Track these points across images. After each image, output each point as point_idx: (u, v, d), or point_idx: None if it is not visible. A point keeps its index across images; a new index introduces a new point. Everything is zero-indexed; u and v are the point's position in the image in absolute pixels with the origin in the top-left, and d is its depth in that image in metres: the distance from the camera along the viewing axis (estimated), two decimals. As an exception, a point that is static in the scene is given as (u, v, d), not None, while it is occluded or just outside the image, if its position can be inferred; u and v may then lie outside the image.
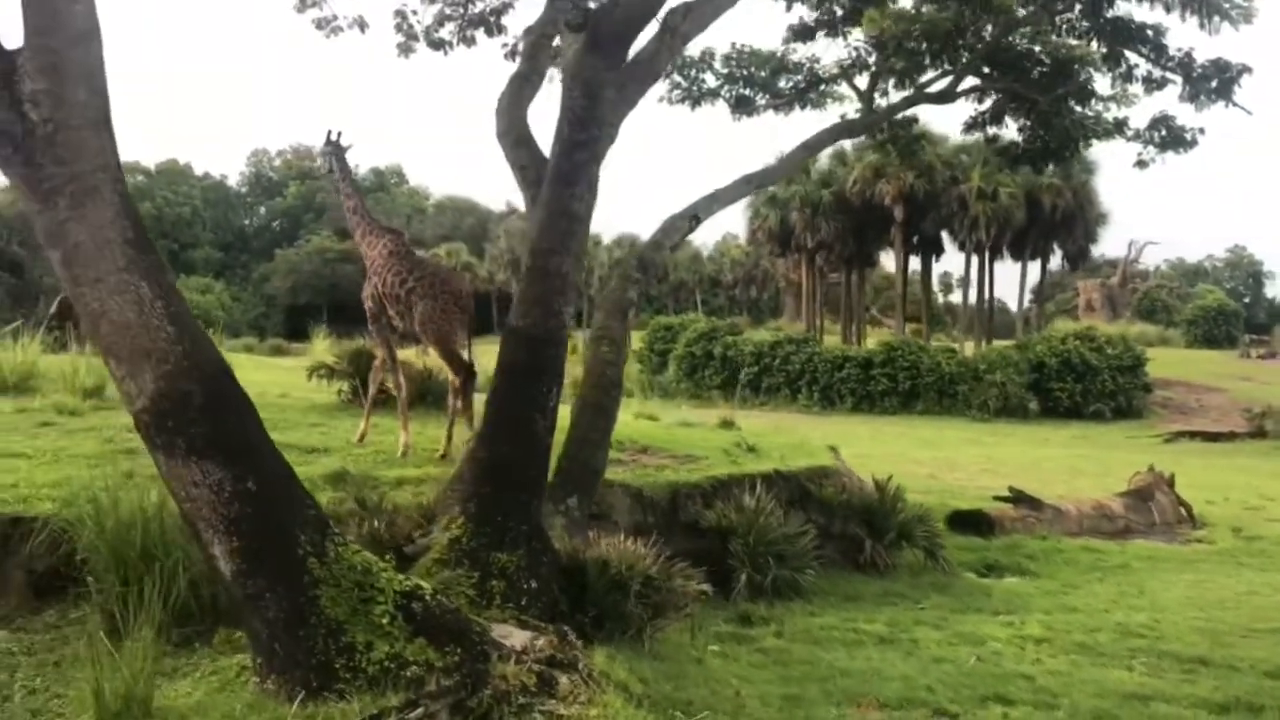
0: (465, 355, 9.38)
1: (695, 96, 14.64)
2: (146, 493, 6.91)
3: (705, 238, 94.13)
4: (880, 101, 13.49)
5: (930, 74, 12.42)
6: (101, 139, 5.16)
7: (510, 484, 6.18)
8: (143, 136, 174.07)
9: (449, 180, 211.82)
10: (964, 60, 12.15)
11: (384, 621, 5.15)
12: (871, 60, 12.81)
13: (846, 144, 44.29)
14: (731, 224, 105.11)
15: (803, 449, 13.18)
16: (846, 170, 48.92)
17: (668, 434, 12.73)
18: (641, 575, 6.15)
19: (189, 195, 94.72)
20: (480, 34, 13.68)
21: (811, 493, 10.70)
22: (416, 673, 4.96)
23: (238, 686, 5.54)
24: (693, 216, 10.19)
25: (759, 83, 14.53)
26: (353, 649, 5.03)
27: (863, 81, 13.70)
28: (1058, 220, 48.96)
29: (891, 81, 13.25)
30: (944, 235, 51.38)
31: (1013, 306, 75.97)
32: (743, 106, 14.74)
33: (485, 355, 9.88)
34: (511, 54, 13.78)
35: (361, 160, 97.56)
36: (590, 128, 6.83)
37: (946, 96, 11.82)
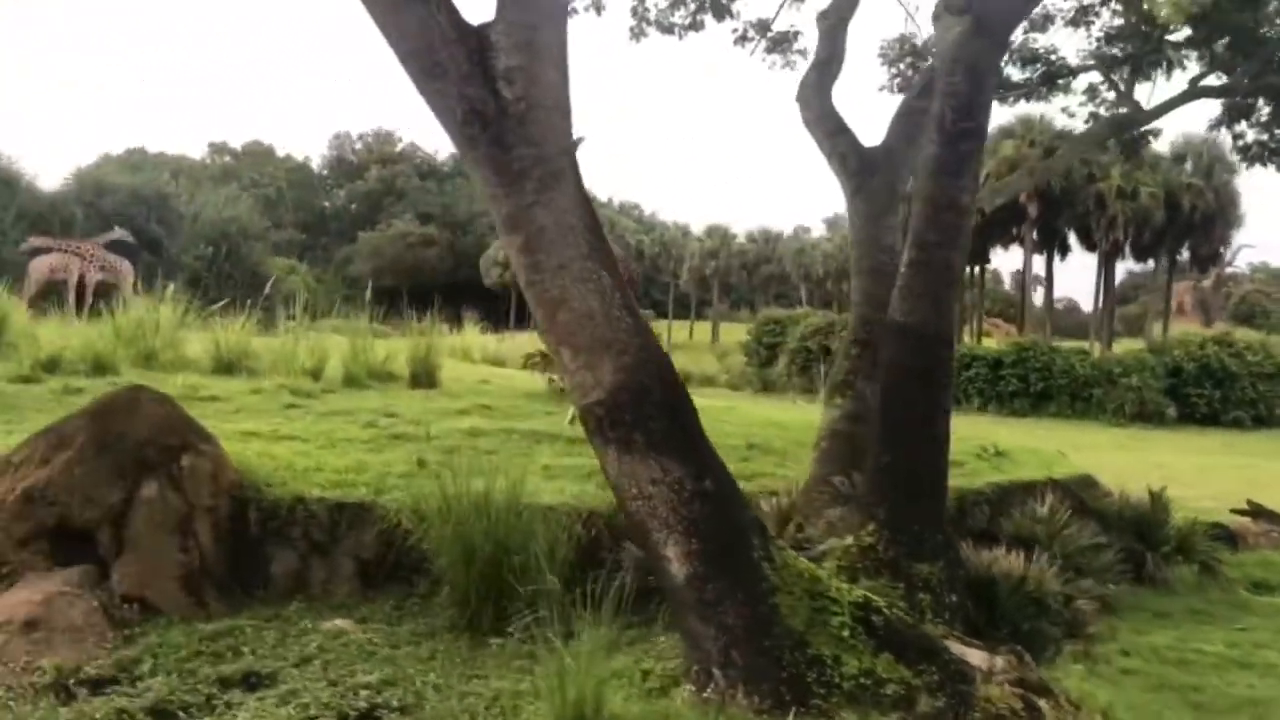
0: None
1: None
2: (492, 483, 6.73)
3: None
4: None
5: (1196, 69, 11.78)
6: (566, 121, 4.97)
7: (919, 490, 5.90)
8: (229, 118, 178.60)
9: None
10: (1227, 54, 11.46)
11: (844, 634, 4.88)
12: (1128, 52, 12.18)
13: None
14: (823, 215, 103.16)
15: (1040, 455, 12.71)
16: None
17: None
18: (1056, 593, 5.80)
19: (274, 176, 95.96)
20: (709, 19, 13.46)
21: (1085, 502, 10.24)
22: (897, 691, 4.67)
23: (659, 694, 5.28)
24: (979, 210, 9.80)
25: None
26: (821, 662, 4.76)
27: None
28: (1196, 221, 47.22)
29: (1140, 74, 12.62)
30: (1071, 234, 49.88)
31: (1085, 306, 73.64)
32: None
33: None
34: (741, 39, 13.52)
35: (440, 146, 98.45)
36: (976, 115, 6.46)
37: (1229, 91, 11.19)
